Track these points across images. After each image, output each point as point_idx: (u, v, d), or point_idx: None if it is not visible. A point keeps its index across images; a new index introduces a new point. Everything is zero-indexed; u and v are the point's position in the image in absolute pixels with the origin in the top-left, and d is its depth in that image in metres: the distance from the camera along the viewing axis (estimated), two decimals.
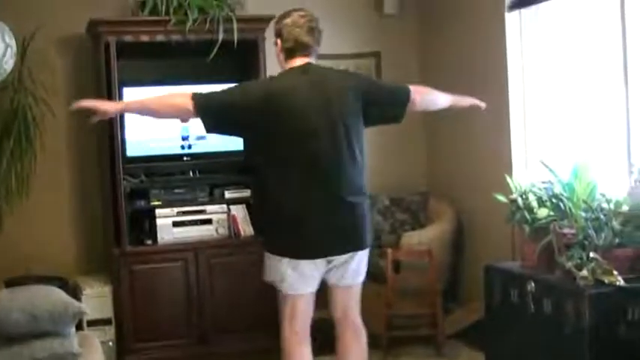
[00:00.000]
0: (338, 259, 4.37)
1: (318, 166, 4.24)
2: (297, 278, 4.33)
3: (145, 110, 4.51)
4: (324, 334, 4.80)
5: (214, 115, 4.29)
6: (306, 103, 4.27)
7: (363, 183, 4.41)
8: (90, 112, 4.32)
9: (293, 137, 4.24)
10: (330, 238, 4.30)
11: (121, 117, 6.01)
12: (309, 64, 4.41)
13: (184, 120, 4.68)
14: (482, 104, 4.89)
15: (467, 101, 4.88)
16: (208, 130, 4.38)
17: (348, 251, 4.37)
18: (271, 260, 4.39)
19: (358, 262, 4.46)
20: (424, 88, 4.75)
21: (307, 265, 4.31)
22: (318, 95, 4.30)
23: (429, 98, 4.72)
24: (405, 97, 4.52)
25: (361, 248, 4.43)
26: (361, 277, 4.55)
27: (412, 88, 4.57)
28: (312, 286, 4.41)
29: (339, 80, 4.46)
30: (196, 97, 4.25)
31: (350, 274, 4.46)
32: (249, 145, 4.49)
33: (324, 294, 4.52)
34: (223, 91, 4.38)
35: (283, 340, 4.49)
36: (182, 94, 4.33)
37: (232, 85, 4.47)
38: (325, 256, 4.34)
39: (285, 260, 4.31)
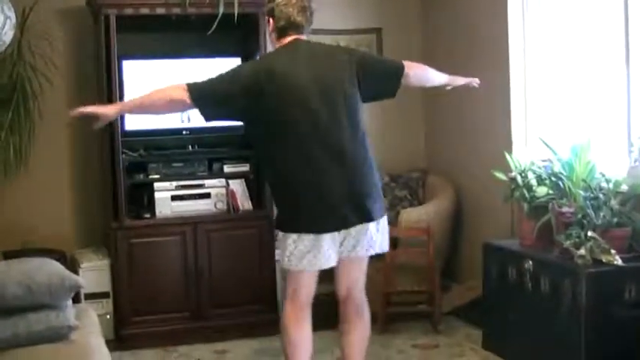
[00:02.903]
0: (350, 230, 4.32)
1: (322, 140, 4.21)
2: (311, 254, 4.28)
3: (142, 109, 4.49)
4: (326, 309, 4.81)
5: (211, 102, 4.27)
6: (302, 78, 4.24)
7: (368, 153, 4.36)
8: (91, 118, 4.32)
9: (292, 114, 4.21)
10: (342, 209, 4.25)
11: (120, 90, 6.00)
12: (297, 39, 4.39)
13: (182, 111, 4.68)
14: (476, 81, 4.87)
15: (461, 80, 4.85)
16: (207, 119, 4.36)
17: (359, 222, 4.30)
18: (283, 238, 4.35)
19: (371, 233, 4.37)
20: (419, 64, 4.73)
21: (323, 237, 4.27)
22: (313, 69, 4.28)
23: (423, 74, 4.70)
24: (398, 72, 4.50)
25: (371, 219, 4.34)
26: (372, 250, 4.44)
27: (406, 63, 4.55)
28: (327, 262, 4.34)
29: (332, 54, 4.47)
30: (191, 89, 4.22)
31: (362, 245, 4.38)
32: (248, 125, 4.46)
33: (328, 270, 4.49)
34: (217, 78, 4.31)
35: (284, 316, 4.48)
36: (176, 86, 4.26)
37: (225, 70, 4.39)
38: (337, 227, 4.29)
39: (301, 236, 4.28)
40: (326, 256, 4.31)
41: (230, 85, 4.27)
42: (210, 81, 4.30)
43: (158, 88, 4.34)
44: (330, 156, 4.22)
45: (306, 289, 4.45)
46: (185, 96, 4.20)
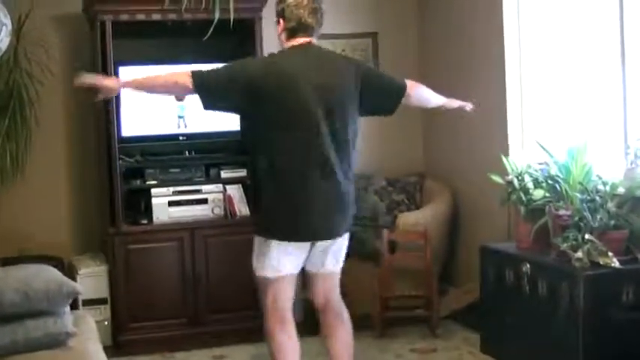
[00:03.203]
0: (323, 244, 4.38)
1: (314, 146, 4.22)
2: (283, 260, 4.32)
3: (144, 87, 4.53)
4: (309, 315, 4.81)
5: (212, 92, 4.29)
6: (305, 81, 4.25)
7: (353, 165, 4.41)
8: (93, 90, 4.34)
9: (290, 115, 4.23)
10: (320, 222, 4.29)
11: (117, 96, 5.98)
12: (309, 43, 4.40)
13: (179, 99, 4.69)
14: (470, 106, 4.92)
15: (456, 103, 4.91)
16: (206, 107, 4.36)
17: (337, 236, 4.38)
18: (261, 244, 4.38)
19: (339, 248, 4.48)
20: (420, 85, 4.74)
21: (295, 247, 4.31)
22: (317, 74, 4.29)
23: (423, 95, 4.73)
24: (400, 90, 4.53)
25: (344, 233, 4.44)
26: (341, 264, 4.56)
27: (409, 82, 4.58)
28: (297, 268, 4.42)
29: (338, 63, 4.49)
30: (195, 75, 4.26)
31: (330, 261, 4.47)
32: (246, 123, 4.48)
33: (305, 276, 4.51)
34: (222, 68, 4.36)
35: (267, 325, 4.48)
36: (181, 72, 4.32)
37: (231, 62, 4.44)
38: (317, 239, 4.34)
39: (274, 243, 4.30)
40: (299, 263, 4.38)
41: (233, 78, 4.30)
42: (215, 72, 4.34)
43: (164, 73, 4.46)
44: (321, 165, 4.24)
45: (287, 295, 4.46)
46: (188, 81, 4.24)
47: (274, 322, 4.45)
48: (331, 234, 4.36)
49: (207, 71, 4.32)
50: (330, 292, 4.59)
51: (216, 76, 4.31)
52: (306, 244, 4.35)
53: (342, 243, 4.48)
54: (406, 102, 4.58)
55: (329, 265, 4.49)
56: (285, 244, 4.30)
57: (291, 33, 4.41)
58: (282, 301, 4.44)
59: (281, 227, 4.31)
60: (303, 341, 4.56)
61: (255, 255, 4.42)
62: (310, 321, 4.84)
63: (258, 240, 4.41)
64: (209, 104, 4.34)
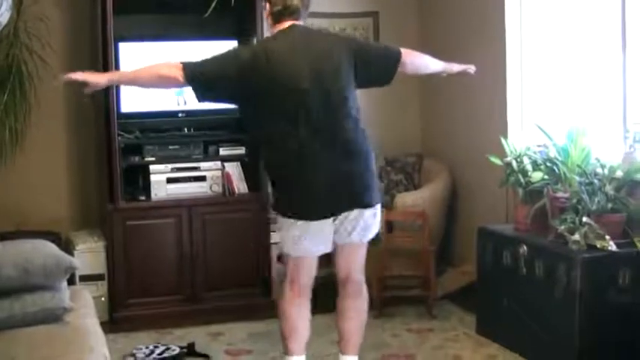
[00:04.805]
0: (344, 216, 4.32)
1: (315, 125, 4.20)
2: (301, 239, 4.29)
3: (135, 82, 4.53)
4: (324, 292, 4.82)
5: (205, 84, 4.26)
6: (298, 62, 4.23)
7: (364, 139, 4.35)
8: (82, 84, 4.31)
9: (287, 98, 4.20)
10: (333, 195, 4.25)
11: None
12: (295, 25, 4.37)
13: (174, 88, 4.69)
14: (472, 68, 4.87)
15: (457, 67, 4.84)
16: (200, 99, 4.35)
17: (352, 208, 4.31)
18: (280, 221, 4.38)
19: (366, 220, 4.38)
20: (415, 51, 4.70)
21: (316, 224, 4.27)
22: (309, 55, 4.27)
23: (420, 62, 4.69)
24: (394, 59, 4.49)
25: (366, 205, 4.36)
26: (368, 235, 4.47)
27: (403, 50, 4.53)
28: (318, 247, 4.36)
29: (328, 40, 4.48)
30: (186, 67, 4.22)
31: (357, 232, 4.39)
32: (244, 111, 4.46)
33: (327, 253, 4.50)
34: (213, 59, 4.31)
35: (283, 299, 4.51)
36: (172, 64, 4.27)
37: (222, 51, 4.40)
38: (329, 214, 4.29)
39: (294, 222, 4.27)
40: (322, 242, 4.33)
41: (226, 67, 4.27)
42: (206, 61, 4.29)
43: (154, 64, 4.36)
44: (322, 141, 4.21)
45: (306, 273, 4.47)
46: (179, 75, 4.21)
47: (290, 298, 4.48)
48: (349, 205, 4.30)
49: (198, 63, 4.28)
50: (352, 267, 4.56)
51: (208, 68, 4.27)
52: (326, 221, 4.30)
53: (367, 215, 4.37)
54: (402, 70, 4.53)
55: (354, 238, 4.41)
56: (300, 222, 4.27)
57: (277, 17, 4.39)
58: (302, 280, 4.46)
59: (292, 206, 4.29)
60: (313, 319, 4.59)
61: (279, 232, 4.40)
62: (322, 299, 4.84)
63: (279, 219, 4.40)
64: (203, 95, 4.32)
